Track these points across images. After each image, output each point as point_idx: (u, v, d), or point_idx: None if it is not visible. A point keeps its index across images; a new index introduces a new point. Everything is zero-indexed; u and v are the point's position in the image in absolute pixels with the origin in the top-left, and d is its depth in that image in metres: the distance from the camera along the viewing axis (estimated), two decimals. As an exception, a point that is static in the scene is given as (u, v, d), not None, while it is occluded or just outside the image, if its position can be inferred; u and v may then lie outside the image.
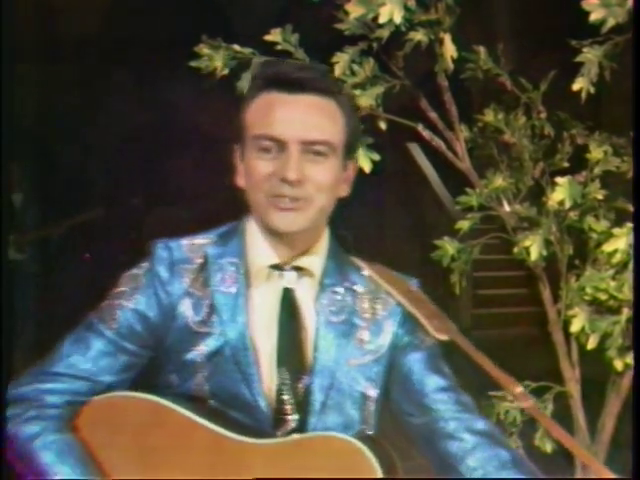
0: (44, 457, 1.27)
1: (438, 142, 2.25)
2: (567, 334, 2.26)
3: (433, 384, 1.39)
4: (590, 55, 2.00)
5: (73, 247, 6.75)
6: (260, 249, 1.38)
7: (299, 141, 1.30)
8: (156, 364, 1.40)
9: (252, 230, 1.40)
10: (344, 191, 1.40)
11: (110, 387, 1.35)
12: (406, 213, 7.98)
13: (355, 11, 1.98)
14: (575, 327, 2.12)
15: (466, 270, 2.38)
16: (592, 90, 2.00)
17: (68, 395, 1.33)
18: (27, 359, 1.44)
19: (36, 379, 1.34)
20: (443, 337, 1.37)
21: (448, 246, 2.34)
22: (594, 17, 1.89)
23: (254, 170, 1.32)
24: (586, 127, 2.46)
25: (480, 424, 1.35)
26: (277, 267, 1.38)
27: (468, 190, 2.35)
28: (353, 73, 2.13)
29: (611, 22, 1.89)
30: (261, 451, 1.29)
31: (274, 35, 2.08)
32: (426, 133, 2.26)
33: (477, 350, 1.36)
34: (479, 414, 1.39)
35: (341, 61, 2.08)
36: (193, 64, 2.09)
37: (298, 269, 1.39)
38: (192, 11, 7.25)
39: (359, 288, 1.43)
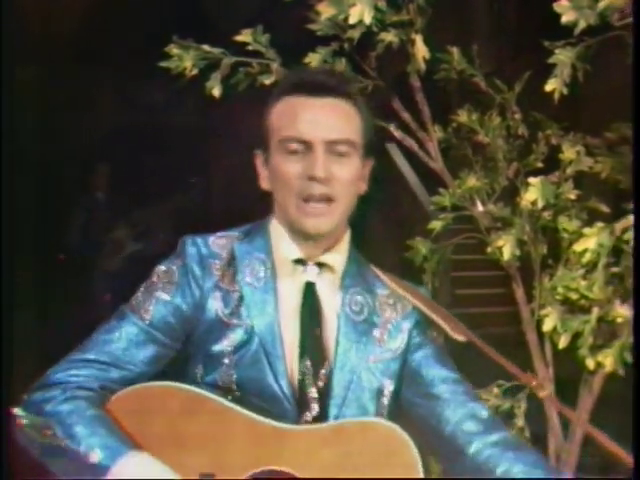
0: (78, 430, 1.31)
1: (410, 142, 2.25)
2: (541, 333, 2.27)
3: (441, 375, 1.48)
4: (562, 57, 2.00)
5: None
6: (285, 245, 1.45)
7: (324, 141, 1.38)
8: (183, 357, 1.46)
9: (276, 229, 1.47)
10: (362, 188, 1.48)
11: (141, 377, 1.40)
12: (384, 213, 7.99)
13: (326, 11, 1.98)
14: (547, 326, 2.13)
15: (438, 270, 2.38)
16: (565, 91, 2.01)
17: (101, 381, 1.38)
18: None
19: (72, 365, 1.39)
20: (460, 338, 1.46)
21: (420, 246, 2.36)
22: (565, 19, 1.91)
23: (283, 172, 1.40)
24: (562, 128, 2.47)
25: (484, 412, 1.46)
26: (301, 262, 1.45)
27: (441, 190, 2.36)
28: (326, 73, 2.12)
29: (582, 24, 1.90)
30: (300, 437, 1.33)
31: (245, 36, 2.07)
32: (398, 133, 2.27)
33: (490, 347, 1.44)
34: (481, 402, 1.50)
35: (313, 61, 2.08)
36: (163, 64, 2.08)
37: (320, 265, 1.46)
38: (164, 11, 7.24)
39: (379, 290, 1.51)
